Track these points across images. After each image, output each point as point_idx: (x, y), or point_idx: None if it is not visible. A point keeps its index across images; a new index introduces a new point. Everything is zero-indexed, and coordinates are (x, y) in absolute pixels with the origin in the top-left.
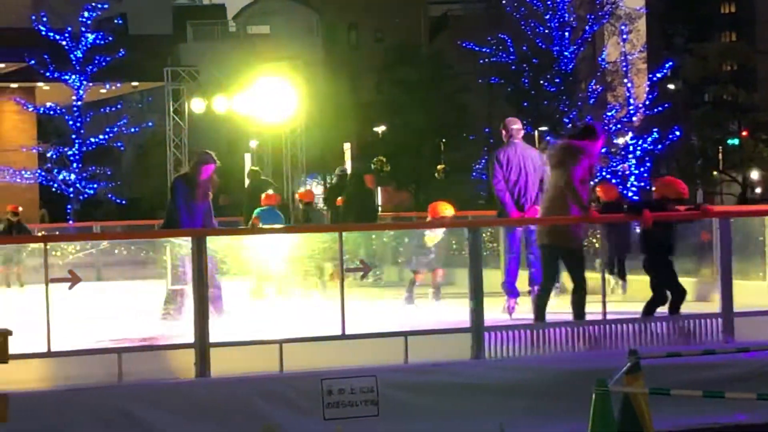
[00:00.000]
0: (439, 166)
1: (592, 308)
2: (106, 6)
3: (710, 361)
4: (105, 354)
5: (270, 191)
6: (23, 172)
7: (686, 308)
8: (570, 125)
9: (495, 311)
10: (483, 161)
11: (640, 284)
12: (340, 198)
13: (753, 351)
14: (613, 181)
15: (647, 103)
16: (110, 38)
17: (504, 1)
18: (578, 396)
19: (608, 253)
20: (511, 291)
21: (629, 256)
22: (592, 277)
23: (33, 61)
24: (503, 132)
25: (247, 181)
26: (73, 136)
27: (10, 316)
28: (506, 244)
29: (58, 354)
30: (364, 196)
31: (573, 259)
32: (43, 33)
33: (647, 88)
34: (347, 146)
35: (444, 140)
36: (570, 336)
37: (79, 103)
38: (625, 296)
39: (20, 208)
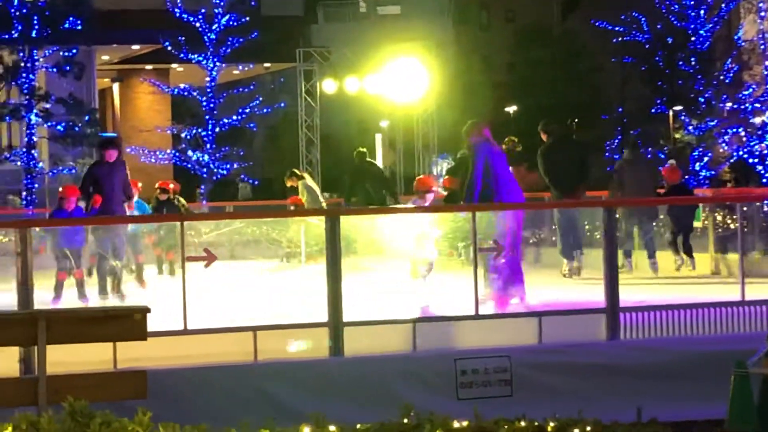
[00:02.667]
0: None
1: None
2: None
3: None
4: (240, 332)
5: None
6: (158, 153)
7: None
8: (704, 105)
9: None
10: (617, 141)
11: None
12: (446, 178)
13: None
14: (751, 161)
15: None
16: (243, 20)
17: None
18: (716, 379)
19: (675, 233)
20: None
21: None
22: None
23: (167, 43)
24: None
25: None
26: (207, 117)
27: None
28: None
29: (195, 332)
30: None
31: None
32: (177, 15)
33: None
34: None
35: (576, 120)
36: (707, 318)
37: (213, 84)
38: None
39: (171, 185)
